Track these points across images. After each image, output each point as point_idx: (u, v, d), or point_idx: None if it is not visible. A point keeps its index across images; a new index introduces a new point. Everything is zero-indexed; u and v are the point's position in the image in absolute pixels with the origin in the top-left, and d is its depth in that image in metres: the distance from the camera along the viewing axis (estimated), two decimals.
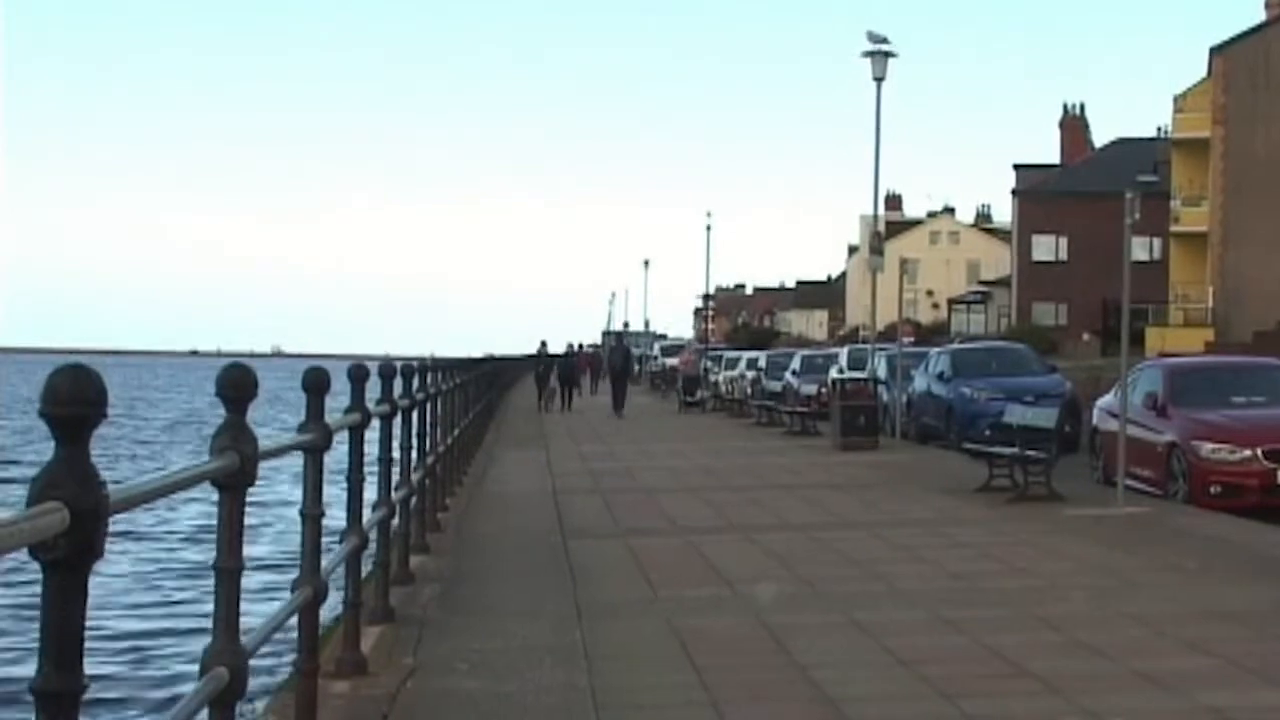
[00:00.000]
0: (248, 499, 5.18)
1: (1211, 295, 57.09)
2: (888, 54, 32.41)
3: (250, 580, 8.20)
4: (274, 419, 56.53)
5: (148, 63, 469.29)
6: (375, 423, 9.68)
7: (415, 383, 13.60)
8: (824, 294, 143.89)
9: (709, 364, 59.08)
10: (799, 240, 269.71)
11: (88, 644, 3.31)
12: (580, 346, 67.22)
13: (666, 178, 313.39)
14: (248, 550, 5.33)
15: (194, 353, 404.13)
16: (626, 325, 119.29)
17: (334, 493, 8.46)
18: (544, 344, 50.64)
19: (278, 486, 30.14)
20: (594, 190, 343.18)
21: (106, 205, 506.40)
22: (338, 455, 7.93)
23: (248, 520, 5.33)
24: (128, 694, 14.06)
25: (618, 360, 48.41)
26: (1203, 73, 60.02)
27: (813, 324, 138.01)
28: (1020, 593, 11.51)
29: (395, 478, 11.11)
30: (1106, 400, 21.84)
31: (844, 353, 43.03)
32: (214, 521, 5.26)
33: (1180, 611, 10.57)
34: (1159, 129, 75.10)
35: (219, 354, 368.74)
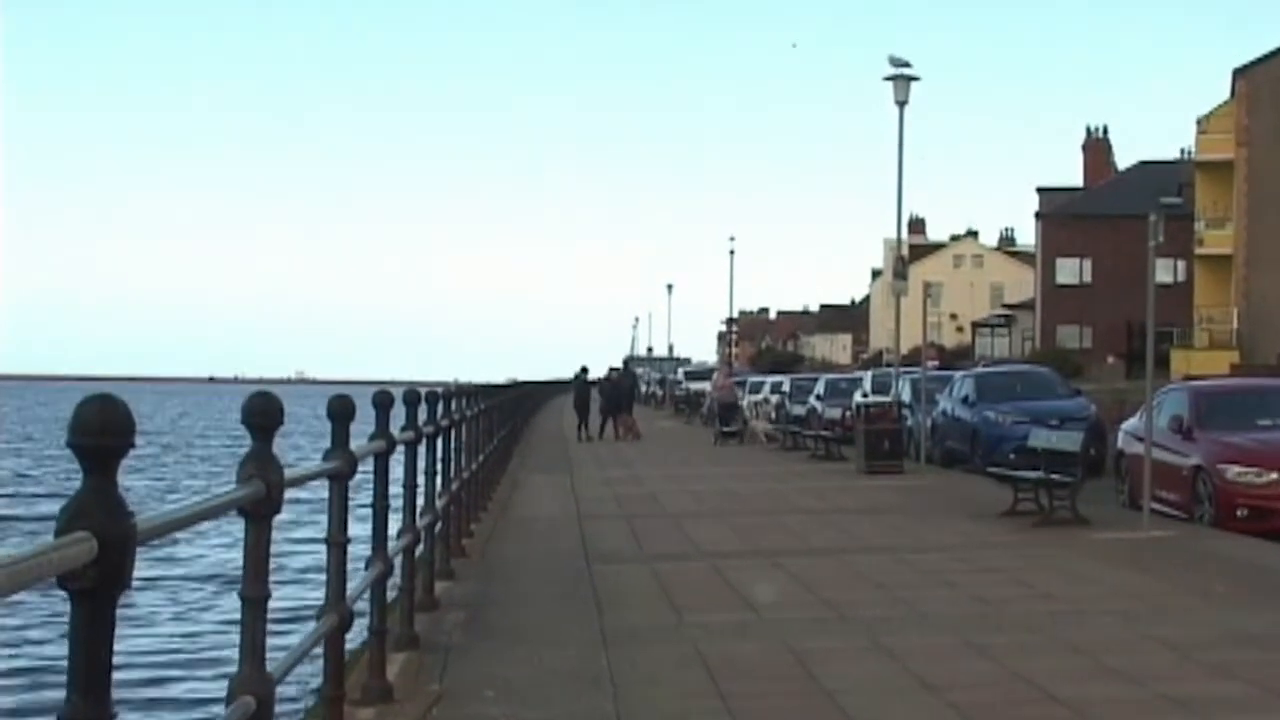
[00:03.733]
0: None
1: (1236, 317, 56.89)
2: (910, 78, 32.47)
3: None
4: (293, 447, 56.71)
5: (158, 79, 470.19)
6: (400, 449, 9.69)
7: (440, 409, 13.61)
8: (847, 318, 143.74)
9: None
10: (822, 264, 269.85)
11: (115, 673, 3.32)
12: (614, 370, 66.84)
13: (690, 202, 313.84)
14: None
15: (211, 379, 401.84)
16: (650, 350, 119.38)
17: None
18: (584, 369, 49.46)
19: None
20: (618, 215, 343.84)
21: (119, 230, 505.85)
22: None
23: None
24: None
25: (625, 384, 51.89)
26: (1226, 94, 59.92)
27: (836, 348, 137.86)
28: (1047, 617, 11.48)
29: (420, 504, 11.12)
30: (1132, 423, 21.77)
31: (868, 377, 42.94)
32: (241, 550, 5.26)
33: (1207, 636, 10.52)
34: (1182, 151, 75.02)
35: (236, 380, 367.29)
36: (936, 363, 54.10)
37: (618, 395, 48.78)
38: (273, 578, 5.24)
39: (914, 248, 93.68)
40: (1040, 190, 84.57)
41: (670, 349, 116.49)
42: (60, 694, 3.28)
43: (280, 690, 5.29)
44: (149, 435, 72.21)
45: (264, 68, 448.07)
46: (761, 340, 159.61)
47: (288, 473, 5.17)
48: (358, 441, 7.50)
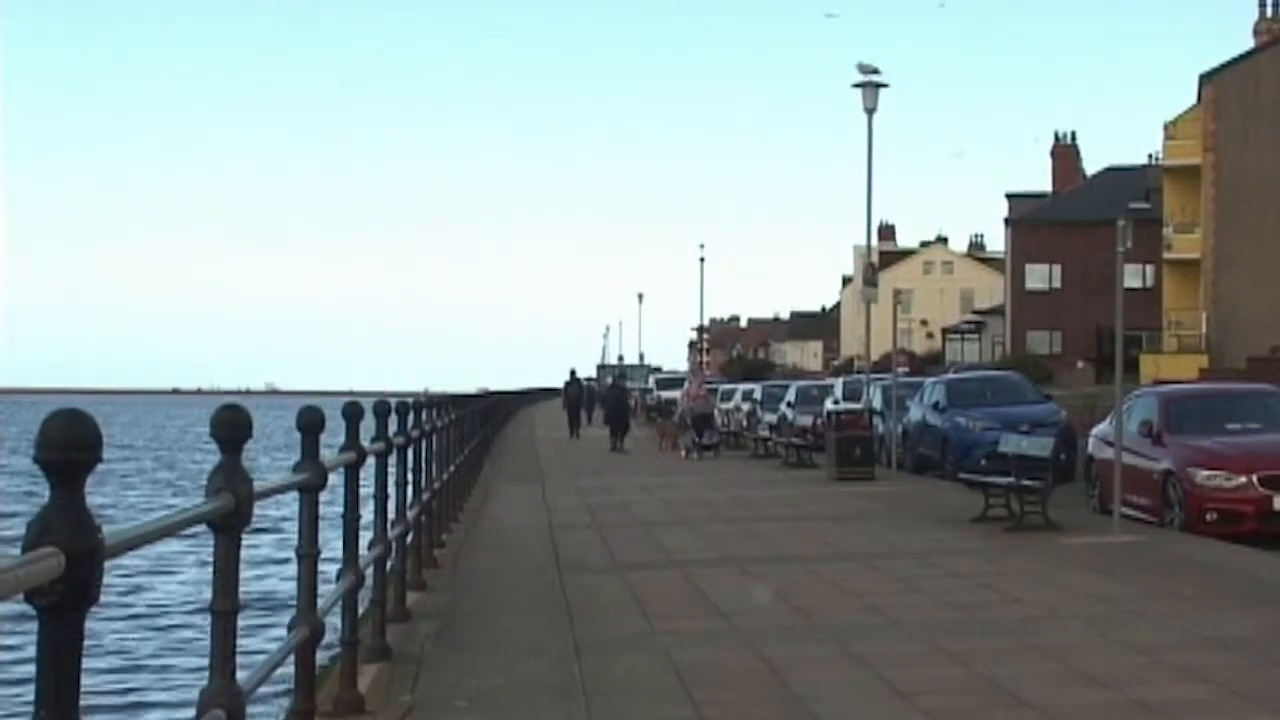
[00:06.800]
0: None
1: (1205, 322, 57.13)
2: (879, 85, 32.61)
3: None
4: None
5: (125, 86, 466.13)
6: (371, 460, 9.68)
7: (410, 420, 13.59)
8: (818, 325, 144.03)
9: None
10: (793, 271, 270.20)
11: (84, 687, 3.32)
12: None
13: (659, 210, 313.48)
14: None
15: (175, 391, 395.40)
16: (621, 358, 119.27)
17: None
18: (573, 373, 47.78)
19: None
20: (587, 224, 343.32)
21: (76, 239, 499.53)
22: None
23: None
24: None
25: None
26: (1193, 100, 60.18)
27: (807, 355, 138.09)
28: (1018, 622, 11.51)
29: (391, 515, 11.11)
30: (1102, 428, 21.84)
31: (839, 384, 43.00)
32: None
33: (1177, 639, 10.57)
34: (1150, 156, 75.25)
35: (200, 392, 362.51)
36: (907, 369, 54.18)
37: (621, 405, 45.70)
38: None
39: (884, 254, 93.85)
40: (1009, 196, 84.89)
41: (641, 357, 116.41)
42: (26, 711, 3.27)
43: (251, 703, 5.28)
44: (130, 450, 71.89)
45: (233, 71, 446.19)
46: (732, 348, 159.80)
47: (257, 485, 5.17)
48: (328, 453, 7.49)
